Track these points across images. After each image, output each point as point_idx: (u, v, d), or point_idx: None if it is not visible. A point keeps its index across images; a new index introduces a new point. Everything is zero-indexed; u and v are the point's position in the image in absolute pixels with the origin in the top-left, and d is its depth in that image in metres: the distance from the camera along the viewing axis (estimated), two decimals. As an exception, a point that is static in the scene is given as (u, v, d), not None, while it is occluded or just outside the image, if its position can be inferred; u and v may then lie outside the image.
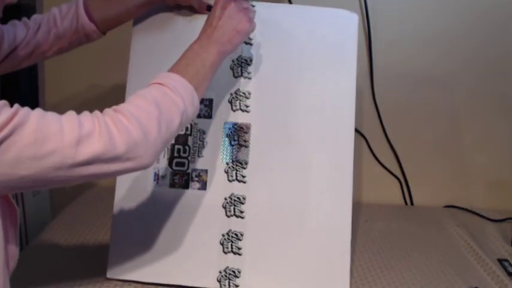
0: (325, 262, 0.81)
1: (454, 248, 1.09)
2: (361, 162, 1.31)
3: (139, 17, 0.88)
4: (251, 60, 0.83)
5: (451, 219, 1.22)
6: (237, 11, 0.75)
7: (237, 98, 0.83)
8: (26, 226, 1.23)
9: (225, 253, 0.79)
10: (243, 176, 0.81)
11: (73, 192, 1.31)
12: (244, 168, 0.81)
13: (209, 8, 0.87)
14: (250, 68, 0.83)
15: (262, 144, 0.82)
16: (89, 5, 0.86)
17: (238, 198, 0.80)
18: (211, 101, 0.84)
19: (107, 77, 1.26)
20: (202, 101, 0.80)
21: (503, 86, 1.25)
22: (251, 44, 0.84)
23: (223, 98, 0.84)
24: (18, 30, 0.83)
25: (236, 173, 0.81)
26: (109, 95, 1.27)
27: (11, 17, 0.83)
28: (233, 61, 0.84)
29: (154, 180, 0.82)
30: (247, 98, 0.82)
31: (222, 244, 0.79)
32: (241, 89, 0.83)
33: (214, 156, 0.82)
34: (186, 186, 0.82)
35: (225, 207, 0.81)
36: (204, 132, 0.83)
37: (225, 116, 0.83)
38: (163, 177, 0.82)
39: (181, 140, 0.83)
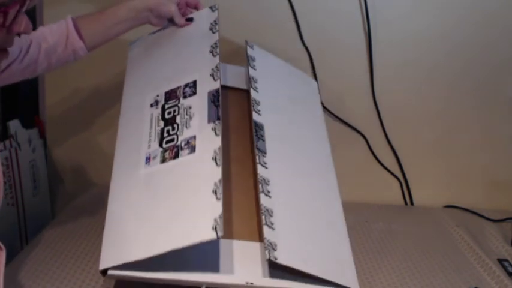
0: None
1: (454, 248, 1.09)
2: (361, 162, 1.31)
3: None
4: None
5: (451, 219, 1.22)
6: None
7: (218, 70, 0.87)
8: (26, 226, 1.23)
9: (218, 199, 0.75)
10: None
11: (73, 192, 1.31)
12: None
13: (188, 19, 0.97)
14: None
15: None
16: (78, 23, 0.91)
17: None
18: (195, 82, 0.88)
19: (107, 78, 1.26)
20: (187, 85, 0.87)
21: (503, 86, 1.25)
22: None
23: (205, 75, 0.87)
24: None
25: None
26: (109, 96, 1.27)
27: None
28: (212, 46, 0.90)
29: (146, 163, 0.82)
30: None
31: (214, 192, 0.76)
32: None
33: (201, 121, 0.83)
34: (176, 157, 0.81)
35: (214, 159, 0.79)
36: (190, 107, 0.85)
37: (208, 87, 0.86)
38: (154, 157, 0.82)
39: (169, 121, 0.85)
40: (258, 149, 0.84)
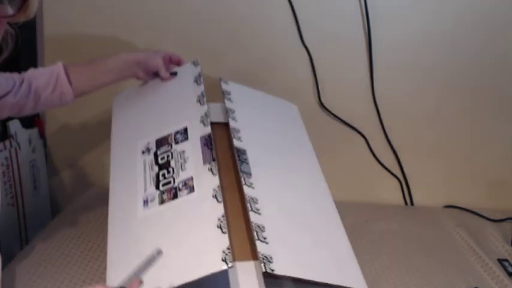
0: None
1: (454, 248, 1.09)
2: (361, 162, 1.31)
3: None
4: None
5: (451, 219, 1.23)
6: None
7: (207, 116, 0.90)
8: (26, 226, 1.23)
9: (224, 233, 0.76)
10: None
11: (73, 192, 1.31)
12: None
13: (172, 73, 1.02)
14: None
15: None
16: (68, 69, 0.94)
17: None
18: (185, 128, 0.90)
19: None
20: (178, 132, 0.90)
21: (503, 86, 1.25)
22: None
23: (195, 122, 0.90)
24: (4, 80, 0.87)
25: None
26: (109, 95, 1.27)
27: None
28: (198, 96, 0.94)
29: (144, 206, 0.83)
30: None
31: (219, 227, 0.77)
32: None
33: (197, 163, 0.85)
34: (175, 197, 0.82)
35: (215, 196, 0.80)
36: (183, 151, 0.87)
37: (199, 132, 0.89)
38: (152, 200, 0.83)
39: (164, 165, 0.87)
40: (242, 171, 0.85)
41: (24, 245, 1.19)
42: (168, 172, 0.86)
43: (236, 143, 0.88)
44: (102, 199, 1.18)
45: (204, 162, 0.84)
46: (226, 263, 0.71)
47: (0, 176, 0.99)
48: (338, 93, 1.26)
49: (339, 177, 1.33)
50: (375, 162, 1.31)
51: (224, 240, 0.74)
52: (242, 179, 0.84)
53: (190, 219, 0.79)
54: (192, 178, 0.83)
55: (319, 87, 1.25)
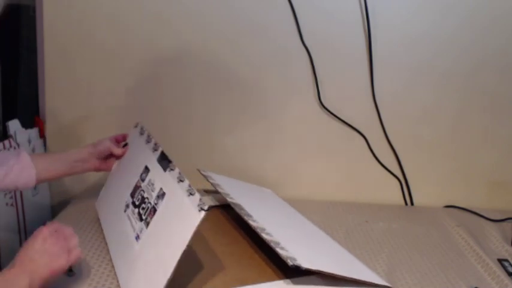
0: None
1: (454, 248, 1.09)
2: (361, 162, 1.31)
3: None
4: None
5: (451, 219, 1.23)
6: (55, 245, 0.76)
7: (162, 152, 0.96)
8: (25, 226, 1.23)
9: (192, 194, 0.84)
10: None
11: (73, 192, 1.31)
12: None
13: (124, 145, 1.09)
14: None
15: None
16: (32, 155, 0.97)
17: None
18: (146, 166, 0.98)
19: (107, 79, 1.26)
20: (141, 173, 0.98)
21: (503, 86, 1.25)
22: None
23: (153, 159, 0.97)
24: None
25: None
26: (109, 95, 1.28)
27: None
28: (153, 148, 1.00)
29: (137, 240, 0.88)
30: None
31: (189, 193, 0.83)
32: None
33: (161, 177, 0.91)
34: (154, 212, 0.88)
35: (188, 191, 0.83)
36: (149, 181, 0.94)
37: (155, 159, 0.97)
38: (141, 230, 0.89)
39: (140, 202, 0.94)
40: (246, 215, 0.94)
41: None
42: (145, 203, 0.92)
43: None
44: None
45: (164, 170, 0.91)
46: (204, 210, 0.76)
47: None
48: (338, 93, 1.26)
49: (339, 177, 1.33)
50: (375, 162, 1.31)
51: (195, 198, 0.79)
52: (245, 218, 0.93)
53: (173, 221, 0.83)
54: (161, 188, 0.89)
55: (319, 87, 1.25)
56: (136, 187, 0.97)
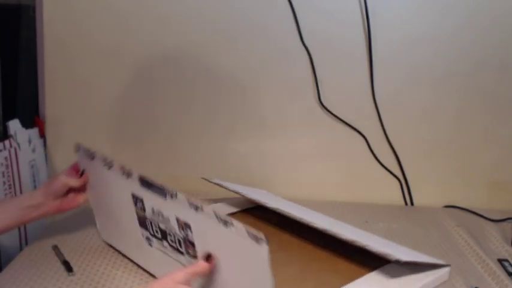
0: None
1: (454, 248, 1.09)
2: (361, 162, 1.31)
3: None
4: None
5: (451, 219, 1.23)
6: None
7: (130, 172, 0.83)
8: (25, 226, 1.23)
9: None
10: None
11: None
12: None
13: (82, 172, 0.93)
14: None
15: None
16: None
17: None
18: (132, 195, 0.84)
19: (106, 77, 1.26)
20: (136, 200, 0.83)
21: (503, 86, 1.25)
22: None
23: (136, 185, 0.82)
24: None
25: None
26: (109, 95, 1.28)
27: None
28: (122, 170, 0.86)
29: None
30: None
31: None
32: None
33: (173, 207, 0.78)
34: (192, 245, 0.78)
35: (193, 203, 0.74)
36: (152, 208, 0.81)
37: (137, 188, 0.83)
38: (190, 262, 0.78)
39: (160, 234, 0.82)
40: (301, 219, 0.97)
41: (24, 245, 1.19)
42: (170, 235, 0.80)
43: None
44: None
45: (164, 198, 0.77)
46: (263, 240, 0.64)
47: (0, 175, 0.99)
48: (338, 93, 1.26)
49: (339, 177, 1.33)
50: (375, 162, 1.31)
51: (239, 229, 0.66)
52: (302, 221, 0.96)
53: (221, 249, 0.72)
54: (178, 219, 0.77)
55: (319, 87, 1.25)
56: (141, 217, 0.85)
